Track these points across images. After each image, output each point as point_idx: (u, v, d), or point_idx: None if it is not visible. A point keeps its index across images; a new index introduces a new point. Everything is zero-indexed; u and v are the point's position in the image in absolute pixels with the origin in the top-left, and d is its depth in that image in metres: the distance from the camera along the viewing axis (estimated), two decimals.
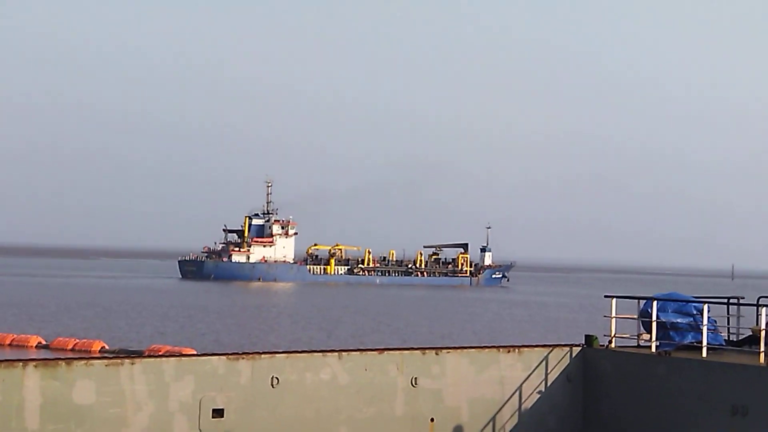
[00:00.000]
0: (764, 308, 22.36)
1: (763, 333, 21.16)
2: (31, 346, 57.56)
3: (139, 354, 26.28)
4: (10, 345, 57.86)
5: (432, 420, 19.66)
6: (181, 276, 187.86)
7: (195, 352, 17.27)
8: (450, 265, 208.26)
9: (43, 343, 58.66)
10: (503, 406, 20.41)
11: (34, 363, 16.33)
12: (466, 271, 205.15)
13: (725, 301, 23.77)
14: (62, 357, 19.69)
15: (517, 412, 20.58)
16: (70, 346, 56.73)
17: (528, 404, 20.69)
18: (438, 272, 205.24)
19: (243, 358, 18.19)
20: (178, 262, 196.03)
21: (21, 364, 16.13)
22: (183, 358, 18.36)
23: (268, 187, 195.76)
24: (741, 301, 23.98)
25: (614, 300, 22.31)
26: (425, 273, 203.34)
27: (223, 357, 18.16)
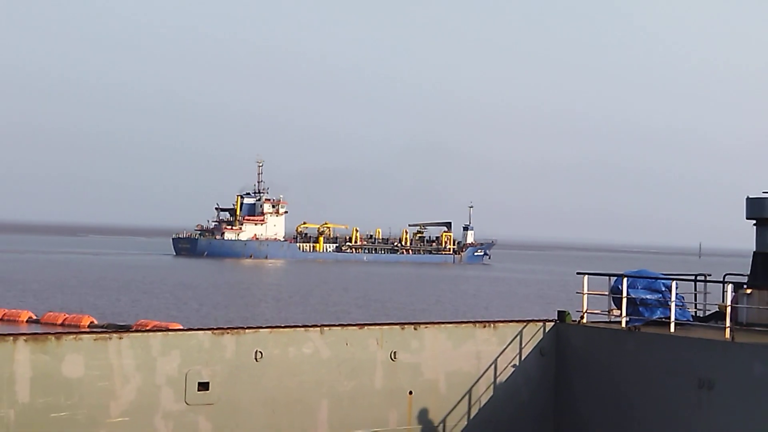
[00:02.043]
0: (730, 285, 22.62)
1: (729, 309, 21.44)
2: (22, 321, 57.59)
3: (127, 329, 26.42)
4: (1, 320, 57.89)
5: (410, 393, 19.73)
6: (175, 253, 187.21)
7: (181, 327, 17.27)
8: (434, 243, 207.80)
9: (34, 317, 58.70)
10: (479, 379, 20.52)
11: (24, 337, 16.30)
12: (450, 248, 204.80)
13: (692, 278, 23.96)
14: (52, 332, 19.73)
15: (492, 385, 20.66)
16: (59, 321, 56.78)
17: (503, 377, 20.78)
18: (422, 250, 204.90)
19: (228, 333, 18.20)
20: (172, 239, 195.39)
21: (12, 338, 16.11)
22: (169, 333, 18.33)
23: (260, 166, 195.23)
24: (708, 278, 24.23)
25: (586, 277, 22.45)
26: (410, 251, 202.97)
27: (209, 332, 18.15)
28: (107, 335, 17.35)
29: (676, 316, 21.44)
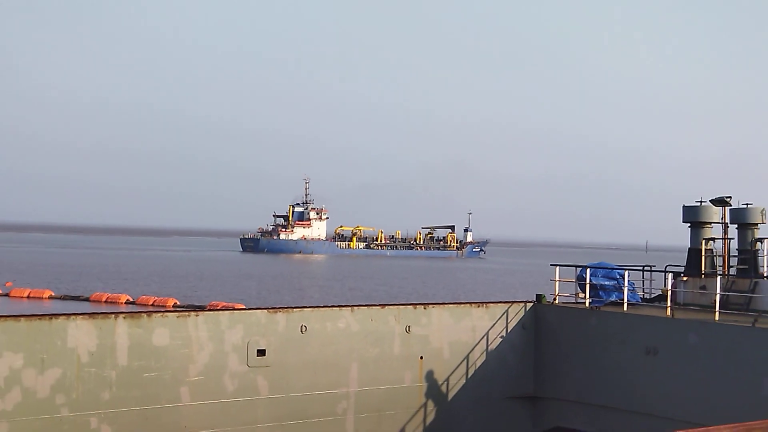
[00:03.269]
0: (670, 274, 22.50)
1: (669, 292, 21.31)
2: (121, 302, 57.98)
3: (202, 308, 26.58)
4: (105, 301, 58.26)
5: (421, 358, 19.67)
6: (241, 250, 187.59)
7: (244, 307, 17.20)
8: (441, 242, 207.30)
9: (131, 299, 59.09)
10: (474, 347, 20.42)
11: (123, 315, 16.42)
12: (453, 246, 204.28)
13: (641, 268, 23.84)
14: (144, 310, 19.84)
15: (484, 352, 20.57)
16: (150, 302, 57.15)
17: (493, 346, 20.69)
18: (432, 247, 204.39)
19: (280, 311, 18.21)
20: (240, 239, 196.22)
21: (113, 316, 16.22)
22: (235, 311, 18.41)
23: (306, 183, 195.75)
24: (653, 268, 24.09)
25: (557, 268, 22.41)
26: (422, 248, 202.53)
27: (265, 310, 18.17)
28: (187, 313, 17.34)
29: (628, 298, 21.39)
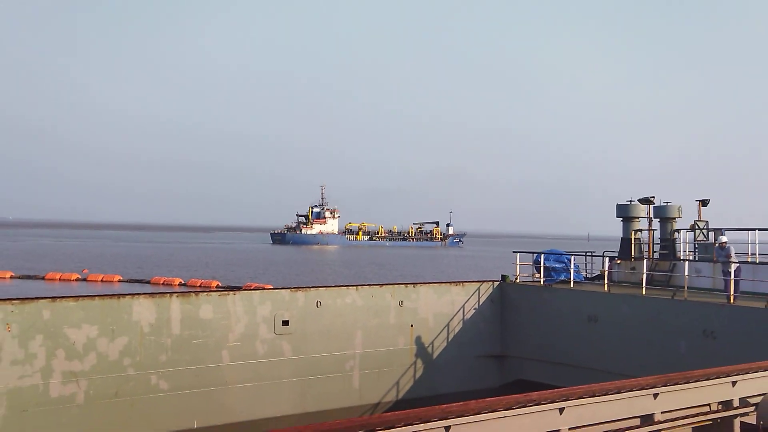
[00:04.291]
0: (607, 258, 22.58)
1: (606, 273, 21.37)
2: (175, 284, 57.86)
3: (239, 288, 26.62)
4: (162, 284, 58.14)
5: (411, 326, 19.65)
6: (271, 242, 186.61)
7: (272, 287, 17.20)
8: (428, 234, 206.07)
9: (183, 282, 59.00)
10: (453, 317, 20.41)
11: (176, 294, 16.31)
12: (438, 237, 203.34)
13: (584, 254, 23.92)
14: (193, 290, 19.86)
15: (461, 321, 20.57)
16: (198, 284, 57.06)
17: (468, 316, 20.69)
18: (421, 239, 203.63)
19: (300, 290, 18.15)
20: (270, 234, 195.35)
21: (168, 295, 16.15)
22: (264, 291, 18.34)
23: (322, 189, 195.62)
24: (593, 254, 24.18)
25: (518, 254, 22.39)
26: (413, 239, 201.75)
27: (288, 290, 18.10)
28: (226, 292, 17.28)
29: (573, 277, 21.40)
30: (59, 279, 60.68)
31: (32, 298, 14.37)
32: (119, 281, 60.62)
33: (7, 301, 14.04)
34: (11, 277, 60.75)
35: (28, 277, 61.45)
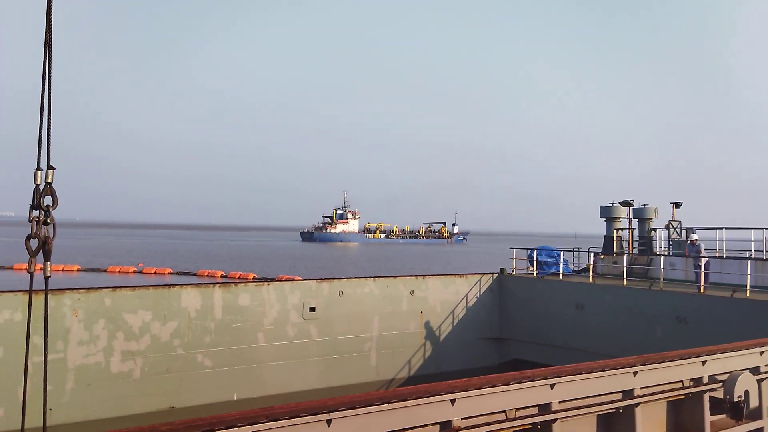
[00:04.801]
0: (592, 253, 22.43)
1: (591, 266, 21.24)
2: (218, 276, 58.15)
3: (272, 279, 26.64)
4: (207, 275, 58.46)
5: (421, 312, 19.56)
6: (301, 240, 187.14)
7: (301, 278, 17.07)
8: (436, 233, 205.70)
9: (224, 274, 59.30)
10: (457, 304, 20.33)
11: (218, 284, 16.33)
12: (445, 236, 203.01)
13: (572, 249, 23.80)
14: (233, 281, 19.94)
15: (465, 308, 20.48)
16: (237, 276, 57.33)
17: (470, 304, 20.60)
18: (430, 237, 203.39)
19: (325, 281, 18.12)
20: (300, 233, 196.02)
21: (212, 285, 16.17)
22: (294, 281, 18.33)
23: (345, 195, 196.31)
24: (580, 249, 24.05)
25: (515, 250, 22.33)
26: (424, 237, 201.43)
27: (315, 281, 18.06)
28: (262, 283, 17.27)
29: (563, 270, 21.31)
30: (119, 271, 61.17)
31: (96, 288, 14.48)
32: (170, 273, 61.00)
33: (75, 291, 14.16)
34: (78, 270, 61.27)
35: (93, 270, 61.99)
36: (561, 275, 21.01)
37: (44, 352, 5.63)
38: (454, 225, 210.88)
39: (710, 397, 8.79)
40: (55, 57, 4.96)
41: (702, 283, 17.50)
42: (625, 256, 20.79)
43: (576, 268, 23.29)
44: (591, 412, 7.72)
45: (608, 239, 24.33)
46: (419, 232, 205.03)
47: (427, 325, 19.70)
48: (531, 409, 7.19)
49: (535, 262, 21.46)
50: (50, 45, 5.14)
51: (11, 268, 60.17)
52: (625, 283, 18.89)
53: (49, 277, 6.40)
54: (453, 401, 6.50)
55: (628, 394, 8.01)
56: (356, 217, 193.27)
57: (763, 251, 20.52)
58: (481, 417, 6.77)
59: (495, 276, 21.32)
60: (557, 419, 7.31)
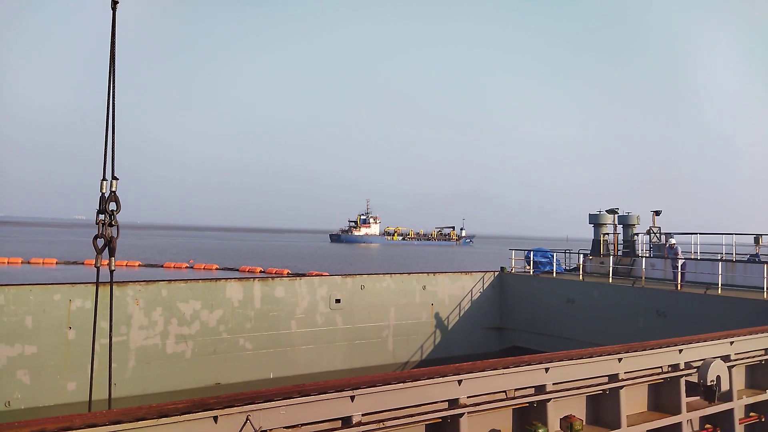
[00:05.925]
0: (582, 254, 22.20)
1: (581, 266, 21.01)
2: (257, 271, 58.40)
3: (304, 275, 26.62)
4: (248, 271, 58.79)
5: (432, 304, 19.47)
6: (330, 241, 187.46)
7: (328, 274, 17.06)
8: (446, 236, 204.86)
9: (262, 270, 59.55)
10: (463, 298, 20.23)
11: (257, 279, 16.35)
12: (453, 238, 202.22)
13: (564, 251, 23.58)
14: (270, 276, 19.99)
15: (470, 301, 20.37)
16: (273, 272, 57.48)
17: (475, 297, 20.48)
18: (441, 239, 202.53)
19: (349, 276, 18.07)
20: (329, 235, 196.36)
21: (252, 280, 16.17)
22: (323, 276, 18.33)
23: (368, 202, 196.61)
24: (571, 251, 23.81)
25: (514, 251, 22.20)
26: (435, 239, 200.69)
27: (340, 276, 18.02)
28: (294, 278, 17.27)
29: (555, 269, 21.13)
30: (173, 267, 61.84)
31: (154, 281, 14.61)
32: (216, 269, 61.48)
33: (136, 283, 14.33)
34: (139, 266, 62.04)
35: (151, 266, 62.71)
36: (554, 273, 20.84)
37: (110, 335, 5.72)
38: (462, 229, 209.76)
39: (686, 381, 8.68)
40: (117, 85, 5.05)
41: (679, 282, 17.30)
42: (611, 257, 20.55)
43: (567, 268, 23.08)
44: (581, 393, 7.65)
45: (596, 242, 24.08)
46: (431, 235, 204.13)
47: (437, 315, 19.62)
48: (528, 389, 7.15)
49: (532, 262, 21.30)
50: (114, 77, 5.26)
51: (83, 263, 61.14)
52: (610, 281, 18.68)
53: (114, 270, 6.47)
54: (460, 382, 6.48)
55: (613, 377, 7.92)
56: (377, 221, 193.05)
57: (732, 254, 20.18)
58: (484, 396, 6.75)
59: (496, 274, 21.19)
60: (551, 399, 7.26)
